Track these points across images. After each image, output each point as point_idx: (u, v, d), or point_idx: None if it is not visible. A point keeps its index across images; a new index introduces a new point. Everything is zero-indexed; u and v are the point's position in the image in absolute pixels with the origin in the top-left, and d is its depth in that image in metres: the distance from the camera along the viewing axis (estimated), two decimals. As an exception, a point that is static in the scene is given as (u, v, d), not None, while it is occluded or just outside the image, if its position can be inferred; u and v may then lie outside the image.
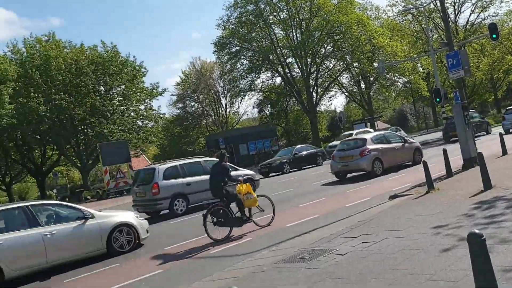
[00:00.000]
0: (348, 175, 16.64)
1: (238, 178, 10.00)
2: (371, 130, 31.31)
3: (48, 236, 8.52)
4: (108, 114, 37.32)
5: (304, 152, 26.56)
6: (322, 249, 6.44)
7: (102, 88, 37.85)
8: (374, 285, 4.61)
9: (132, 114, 40.47)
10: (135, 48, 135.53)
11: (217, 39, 47.25)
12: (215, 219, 9.10)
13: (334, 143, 29.35)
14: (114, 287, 6.95)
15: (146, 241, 10.01)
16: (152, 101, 41.57)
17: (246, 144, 42.04)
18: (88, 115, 35.00)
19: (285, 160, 25.63)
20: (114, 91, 39.18)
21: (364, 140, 16.31)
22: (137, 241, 9.64)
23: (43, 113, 32.84)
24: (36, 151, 43.21)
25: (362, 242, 6.38)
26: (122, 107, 39.19)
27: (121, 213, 10.14)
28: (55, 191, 46.99)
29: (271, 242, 7.97)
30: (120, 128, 37.89)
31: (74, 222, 9.02)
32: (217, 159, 10.00)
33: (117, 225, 9.39)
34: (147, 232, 10.00)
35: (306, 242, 7.28)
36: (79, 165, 39.17)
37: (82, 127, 37.58)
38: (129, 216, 9.86)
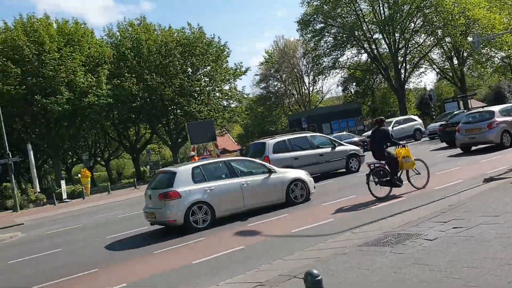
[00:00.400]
0: (473, 148, 16.76)
1: (399, 142, 10.57)
2: (415, 117, 32.76)
3: (245, 185, 10.39)
4: (195, 94, 38.64)
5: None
6: (409, 233, 6.16)
7: (189, 69, 39.21)
8: (466, 275, 4.26)
9: (217, 94, 41.56)
10: (219, 29, 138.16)
11: (301, 17, 46.65)
12: (376, 179, 9.95)
13: (433, 125, 29.10)
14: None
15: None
16: (236, 81, 42.34)
17: (330, 124, 41.34)
18: (177, 95, 36.50)
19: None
20: (201, 71, 40.42)
21: (492, 112, 16.26)
22: (308, 195, 11.28)
23: (136, 92, 34.77)
24: (131, 129, 46.19)
25: (453, 228, 6.00)
26: (208, 88, 40.35)
27: (294, 171, 11.76)
28: (148, 167, 50.04)
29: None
30: (206, 108, 39.16)
31: (262, 175, 10.82)
32: (376, 125, 10.75)
33: (293, 180, 11.10)
34: (314, 188, 11.51)
35: (392, 225, 7.03)
36: (170, 143, 41.21)
37: (172, 107, 39.34)
38: (301, 173, 11.50)
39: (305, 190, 11.17)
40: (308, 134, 16.79)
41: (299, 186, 11.10)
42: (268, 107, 59.84)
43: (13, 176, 25.43)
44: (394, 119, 30.48)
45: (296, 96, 60.50)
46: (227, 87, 41.71)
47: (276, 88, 60.79)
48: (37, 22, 33.12)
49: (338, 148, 15.91)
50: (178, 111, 39.14)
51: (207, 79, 40.16)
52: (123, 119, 40.66)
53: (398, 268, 4.84)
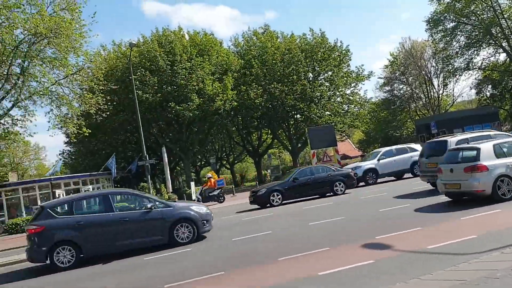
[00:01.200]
0: None
1: None
2: (414, 145, 25.24)
3: None
4: (316, 99, 38.53)
5: None
6: None
7: (310, 74, 39.25)
8: None
9: (338, 99, 40.97)
10: (340, 34, 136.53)
11: (430, 16, 43.92)
12: None
13: None
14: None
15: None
16: (359, 85, 41.29)
17: (462, 129, 37.92)
18: (298, 101, 36.74)
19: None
20: (322, 76, 40.21)
21: None
22: None
23: (259, 103, 35.85)
24: (254, 134, 47.76)
25: None
26: (329, 92, 39.96)
27: None
28: (269, 171, 51.14)
29: None
30: (327, 113, 38.80)
31: None
32: None
33: None
34: None
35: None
36: (290, 148, 41.65)
37: (292, 112, 39.72)
38: None
39: None
40: (491, 132, 14.96)
41: None
42: (393, 111, 57.18)
43: (149, 177, 27.83)
44: (382, 150, 24.63)
45: (424, 99, 56.89)
46: (348, 91, 40.91)
47: (401, 91, 57.90)
48: (171, 35, 35.92)
49: None
50: (298, 116, 39.40)
51: (328, 83, 39.82)
52: (247, 125, 42.17)
53: None
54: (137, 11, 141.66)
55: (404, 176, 23.33)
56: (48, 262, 10.90)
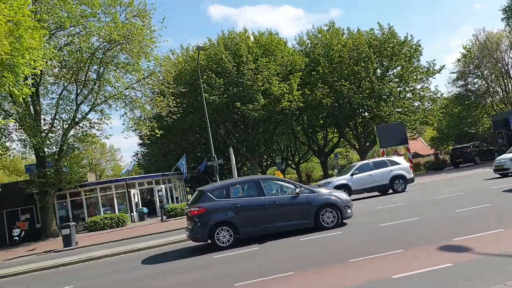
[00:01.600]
0: None
1: None
2: (397, 158, 23.00)
3: None
4: (385, 96, 37.43)
5: None
6: None
7: (378, 70, 38.22)
8: None
9: (408, 95, 39.54)
10: (410, 28, 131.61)
11: (507, 4, 41.17)
12: None
13: None
14: None
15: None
16: (430, 80, 39.64)
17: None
18: (366, 98, 35.90)
19: None
20: (390, 72, 39.01)
21: None
22: None
23: (325, 103, 35.46)
24: (319, 134, 47.28)
25: None
26: (399, 88, 38.70)
27: None
28: (335, 170, 50.43)
29: None
30: (396, 110, 37.56)
31: None
32: None
33: None
34: None
35: None
36: (357, 147, 40.78)
37: (360, 110, 38.88)
38: None
39: None
40: None
41: None
42: (467, 106, 54.14)
43: (217, 176, 28.46)
44: (358, 164, 22.92)
45: (501, 93, 53.33)
46: (418, 87, 39.38)
47: (476, 85, 54.68)
48: (237, 37, 36.50)
49: None
50: (366, 113, 38.47)
51: (397, 79, 38.58)
52: (312, 124, 41.86)
53: None
54: (204, 15, 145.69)
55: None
56: (209, 241, 11.82)
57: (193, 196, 13.21)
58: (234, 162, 31.46)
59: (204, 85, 32.42)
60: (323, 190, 12.86)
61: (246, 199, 11.95)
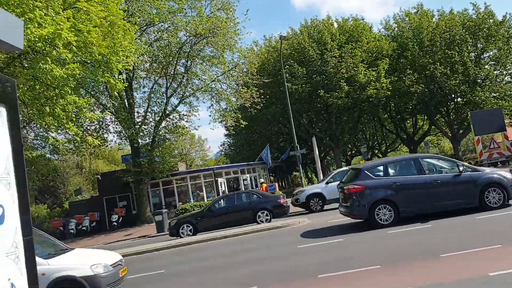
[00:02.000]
0: None
1: None
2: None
3: None
4: (480, 80, 34.88)
5: None
6: None
7: (472, 53, 35.67)
8: None
9: (506, 78, 36.54)
10: (509, 7, 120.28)
11: None
12: None
13: None
14: None
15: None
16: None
17: None
18: (460, 83, 33.73)
19: None
20: (486, 55, 36.24)
21: None
22: None
23: (414, 90, 33.87)
24: (408, 121, 45.24)
25: None
26: (496, 72, 35.84)
27: None
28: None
29: None
30: (492, 95, 34.85)
31: None
32: None
33: None
34: None
35: None
36: (450, 134, 38.54)
37: (452, 95, 36.63)
38: None
39: None
40: None
41: None
42: None
43: (300, 166, 28.54)
44: (336, 171, 21.26)
45: None
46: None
47: None
48: (320, 24, 36.00)
49: None
50: (459, 99, 36.16)
51: (493, 62, 35.75)
52: (400, 111, 40.20)
53: None
54: (286, 5, 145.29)
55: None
56: (367, 218, 11.69)
57: (348, 174, 13.23)
58: (317, 152, 31.35)
59: (287, 75, 32.48)
60: (487, 169, 12.41)
61: (406, 177, 11.69)
